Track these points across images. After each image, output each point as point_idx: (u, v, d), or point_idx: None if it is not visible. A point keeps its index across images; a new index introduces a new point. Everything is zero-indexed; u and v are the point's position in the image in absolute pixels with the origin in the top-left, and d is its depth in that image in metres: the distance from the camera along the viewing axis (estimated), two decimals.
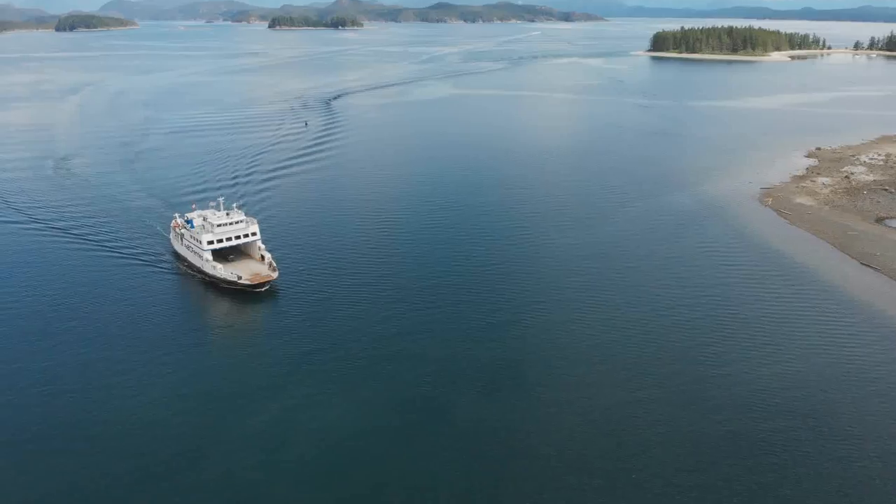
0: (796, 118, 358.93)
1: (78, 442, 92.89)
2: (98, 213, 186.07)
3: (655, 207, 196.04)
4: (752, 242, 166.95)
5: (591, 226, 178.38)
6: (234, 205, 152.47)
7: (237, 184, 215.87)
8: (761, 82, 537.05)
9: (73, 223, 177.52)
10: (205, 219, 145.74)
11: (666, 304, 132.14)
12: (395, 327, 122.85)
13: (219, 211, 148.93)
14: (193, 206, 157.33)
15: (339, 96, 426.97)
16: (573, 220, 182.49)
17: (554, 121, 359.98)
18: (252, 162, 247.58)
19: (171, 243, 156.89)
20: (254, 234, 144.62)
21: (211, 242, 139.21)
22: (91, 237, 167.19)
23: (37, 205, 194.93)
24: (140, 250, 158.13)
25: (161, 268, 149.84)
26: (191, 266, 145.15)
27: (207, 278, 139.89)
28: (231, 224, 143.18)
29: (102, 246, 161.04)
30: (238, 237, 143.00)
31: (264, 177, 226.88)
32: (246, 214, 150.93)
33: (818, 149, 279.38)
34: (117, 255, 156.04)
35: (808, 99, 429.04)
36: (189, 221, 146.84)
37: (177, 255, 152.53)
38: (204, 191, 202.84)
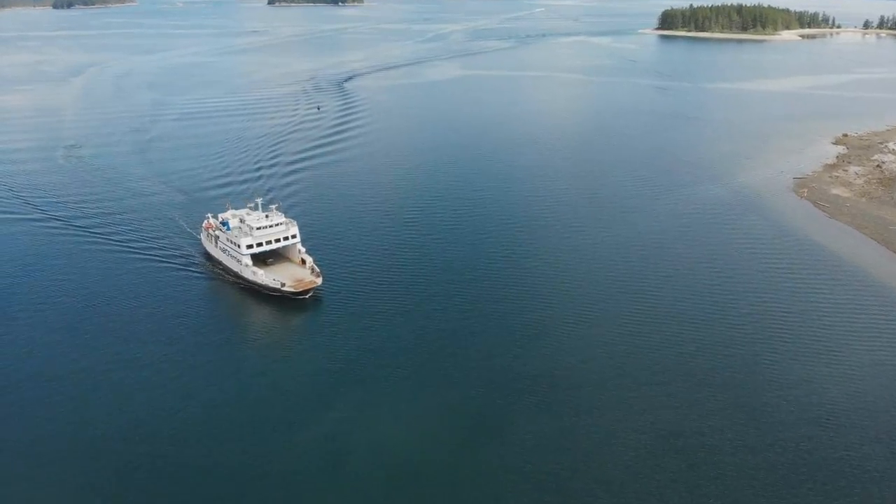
0: (817, 102, 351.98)
1: (113, 456, 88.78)
2: (118, 210, 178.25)
3: (690, 199, 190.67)
4: (796, 239, 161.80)
5: (628, 220, 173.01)
6: (273, 206, 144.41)
7: (261, 176, 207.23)
8: (775, 63, 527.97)
9: (94, 221, 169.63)
10: (242, 220, 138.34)
11: (718, 308, 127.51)
12: (440, 332, 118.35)
13: (257, 212, 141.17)
14: (228, 205, 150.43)
15: (350, 78, 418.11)
16: (609, 215, 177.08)
17: (574, 104, 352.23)
18: (272, 151, 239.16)
19: (202, 244, 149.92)
20: (294, 236, 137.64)
21: (250, 246, 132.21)
22: (115, 237, 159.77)
23: (52, 199, 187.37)
24: (169, 251, 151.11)
25: (193, 271, 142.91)
26: (226, 270, 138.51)
27: (246, 284, 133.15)
28: (271, 227, 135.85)
29: (128, 247, 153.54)
30: (278, 240, 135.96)
31: (288, 168, 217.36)
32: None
33: (845, 135, 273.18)
34: (146, 256, 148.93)
35: (826, 81, 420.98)
36: (224, 223, 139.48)
37: (209, 257, 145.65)
38: (228, 184, 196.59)
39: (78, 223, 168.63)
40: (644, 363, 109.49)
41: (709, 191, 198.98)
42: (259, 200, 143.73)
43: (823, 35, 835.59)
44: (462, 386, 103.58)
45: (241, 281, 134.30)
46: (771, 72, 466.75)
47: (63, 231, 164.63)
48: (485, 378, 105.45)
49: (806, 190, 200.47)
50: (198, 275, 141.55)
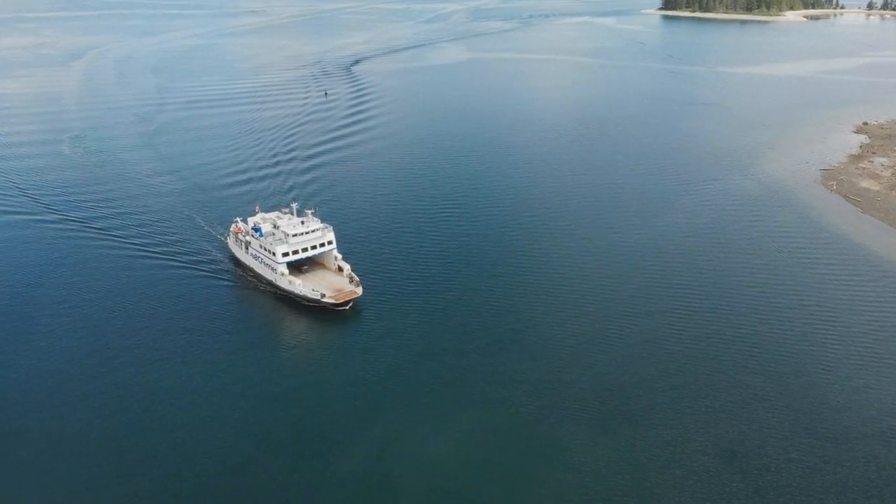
0: (831, 87, 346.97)
1: (150, 477, 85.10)
2: (134, 209, 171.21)
3: (719, 193, 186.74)
4: (833, 237, 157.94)
5: (659, 218, 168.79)
6: (309, 210, 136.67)
7: (280, 172, 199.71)
8: (784, 45, 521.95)
9: (112, 223, 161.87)
10: (275, 226, 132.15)
11: (762, 314, 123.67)
12: (482, 344, 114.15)
13: (292, 217, 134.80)
14: (257, 208, 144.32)
15: (357, 62, 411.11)
16: (640, 212, 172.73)
17: (590, 90, 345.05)
18: (288, 143, 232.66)
19: (228, 248, 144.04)
20: (330, 242, 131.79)
21: (286, 254, 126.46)
22: (135, 240, 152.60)
23: (63, 198, 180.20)
24: (194, 256, 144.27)
25: (222, 278, 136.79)
26: (258, 277, 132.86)
27: (281, 293, 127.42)
28: (307, 233, 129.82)
29: (151, 251, 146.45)
30: (314, 247, 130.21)
31: (307, 164, 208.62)
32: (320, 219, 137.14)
33: (865, 123, 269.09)
34: (171, 261, 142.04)
35: (837, 65, 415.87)
36: (257, 228, 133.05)
37: (238, 263, 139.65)
38: (247, 181, 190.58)
39: (96, 225, 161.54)
40: (693, 374, 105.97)
41: (737, 184, 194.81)
42: (294, 205, 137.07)
43: (827, 16, 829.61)
44: (509, 401, 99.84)
45: (275, 290, 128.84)
46: (780, 55, 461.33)
47: (79, 233, 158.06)
48: (532, 392, 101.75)
49: (834, 183, 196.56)
50: (227, 282, 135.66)
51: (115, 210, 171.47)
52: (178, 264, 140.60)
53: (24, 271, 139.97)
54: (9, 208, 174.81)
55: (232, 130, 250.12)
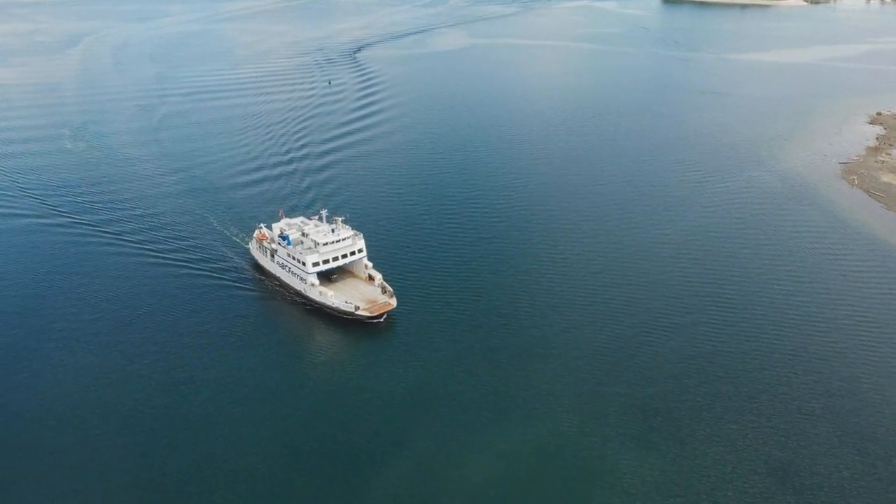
0: (840, 75, 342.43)
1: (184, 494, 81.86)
2: (146, 211, 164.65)
3: (740, 187, 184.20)
4: (861, 237, 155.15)
5: (683, 215, 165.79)
6: (340, 217, 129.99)
7: (295, 170, 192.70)
8: (787, 31, 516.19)
9: (124, 227, 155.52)
10: (304, 234, 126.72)
11: (797, 319, 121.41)
12: (515, 353, 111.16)
13: (319, 223, 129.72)
14: (281, 212, 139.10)
15: (360, 49, 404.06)
16: (663, 208, 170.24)
17: (597, 78, 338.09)
18: (298, 137, 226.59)
19: (251, 253, 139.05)
20: (360, 250, 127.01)
21: (317, 264, 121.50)
22: (151, 245, 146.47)
23: (68, 198, 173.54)
24: (214, 263, 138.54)
25: (245, 287, 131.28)
26: (285, 286, 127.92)
27: (311, 305, 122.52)
28: (337, 241, 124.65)
29: (165, 257, 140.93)
30: (345, 255, 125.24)
31: (321, 161, 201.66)
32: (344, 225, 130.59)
33: (879, 114, 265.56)
34: (187, 267, 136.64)
35: (841, 52, 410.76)
36: (284, 236, 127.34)
37: (261, 270, 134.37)
38: (262, 180, 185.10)
39: (108, 229, 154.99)
40: (735, 385, 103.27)
41: (756, 178, 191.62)
42: (324, 212, 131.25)
43: (827, 0, 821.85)
44: (549, 416, 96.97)
45: (304, 301, 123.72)
46: (784, 41, 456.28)
47: (91, 237, 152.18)
48: (571, 406, 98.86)
49: (855, 177, 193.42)
50: (251, 291, 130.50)
51: (126, 212, 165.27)
52: (198, 271, 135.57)
53: (33, 278, 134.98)
54: (11, 210, 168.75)
55: (239, 124, 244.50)
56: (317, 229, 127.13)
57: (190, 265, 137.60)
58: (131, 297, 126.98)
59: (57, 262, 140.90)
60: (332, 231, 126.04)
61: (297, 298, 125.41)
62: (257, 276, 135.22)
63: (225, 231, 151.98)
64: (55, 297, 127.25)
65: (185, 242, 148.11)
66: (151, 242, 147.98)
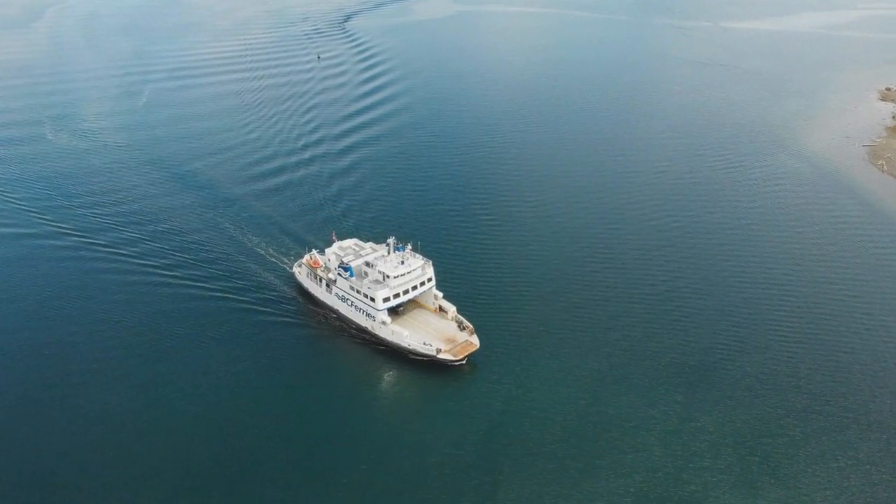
0: (840, 45, 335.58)
1: None
2: (159, 226, 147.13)
3: (768, 175, 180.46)
4: None
5: (715, 205, 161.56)
6: (409, 245, 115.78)
7: (320, 172, 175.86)
8: None
9: (139, 249, 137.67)
10: (367, 263, 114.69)
11: (852, 324, 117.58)
12: (600, 394, 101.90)
13: (380, 249, 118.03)
14: (333, 235, 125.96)
15: (348, 18, 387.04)
16: (696, 199, 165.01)
17: (597, 50, 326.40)
18: (309, 125, 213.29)
19: (296, 278, 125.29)
20: (430, 280, 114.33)
21: (387, 300, 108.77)
22: (177, 270, 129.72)
23: (63, 206, 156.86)
24: (255, 292, 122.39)
25: (295, 319, 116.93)
26: (345, 321, 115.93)
27: (381, 345, 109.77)
28: (408, 273, 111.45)
29: (201, 285, 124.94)
30: (415, 287, 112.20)
31: (343, 162, 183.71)
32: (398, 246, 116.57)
33: (888, 89, 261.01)
34: (222, 295, 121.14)
35: (836, 18, 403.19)
36: (347, 267, 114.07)
37: (309, 297, 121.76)
38: (285, 187, 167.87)
39: (124, 251, 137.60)
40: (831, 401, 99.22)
41: (783, 163, 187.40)
42: (392, 240, 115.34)
43: None
44: (641, 474, 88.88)
45: (372, 339, 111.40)
46: (778, 6, 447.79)
47: (99, 255, 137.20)
48: (661, 454, 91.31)
49: (883, 162, 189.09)
50: (302, 325, 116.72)
51: (137, 226, 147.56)
52: (237, 299, 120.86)
53: (46, 307, 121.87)
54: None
55: (235, 107, 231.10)
56: (384, 260, 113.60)
57: (227, 293, 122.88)
58: (162, 327, 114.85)
59: (64, 288, 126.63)
60: (402, 263, 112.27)
61: (358, 334, 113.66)
62: (305, 303, 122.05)
63: (261, 251, 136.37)
64: (72, 332, 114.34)
65: (217, 267, 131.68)
66: (179, 268, 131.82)
